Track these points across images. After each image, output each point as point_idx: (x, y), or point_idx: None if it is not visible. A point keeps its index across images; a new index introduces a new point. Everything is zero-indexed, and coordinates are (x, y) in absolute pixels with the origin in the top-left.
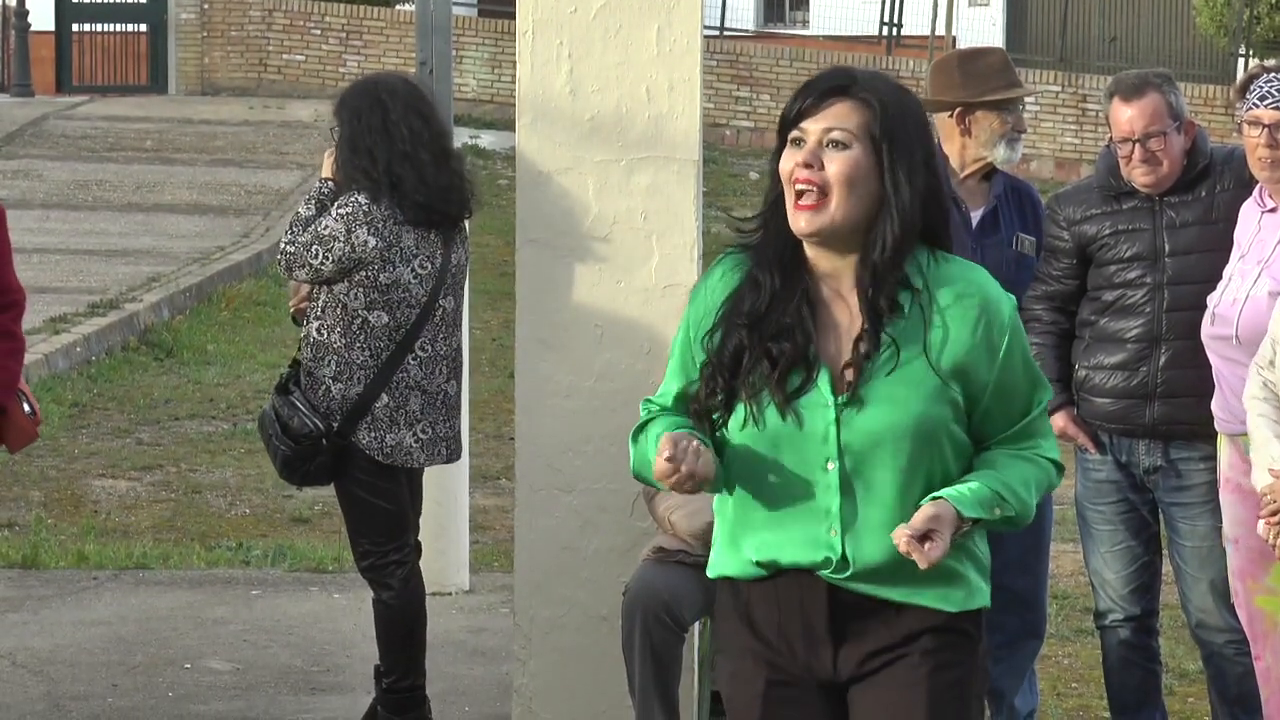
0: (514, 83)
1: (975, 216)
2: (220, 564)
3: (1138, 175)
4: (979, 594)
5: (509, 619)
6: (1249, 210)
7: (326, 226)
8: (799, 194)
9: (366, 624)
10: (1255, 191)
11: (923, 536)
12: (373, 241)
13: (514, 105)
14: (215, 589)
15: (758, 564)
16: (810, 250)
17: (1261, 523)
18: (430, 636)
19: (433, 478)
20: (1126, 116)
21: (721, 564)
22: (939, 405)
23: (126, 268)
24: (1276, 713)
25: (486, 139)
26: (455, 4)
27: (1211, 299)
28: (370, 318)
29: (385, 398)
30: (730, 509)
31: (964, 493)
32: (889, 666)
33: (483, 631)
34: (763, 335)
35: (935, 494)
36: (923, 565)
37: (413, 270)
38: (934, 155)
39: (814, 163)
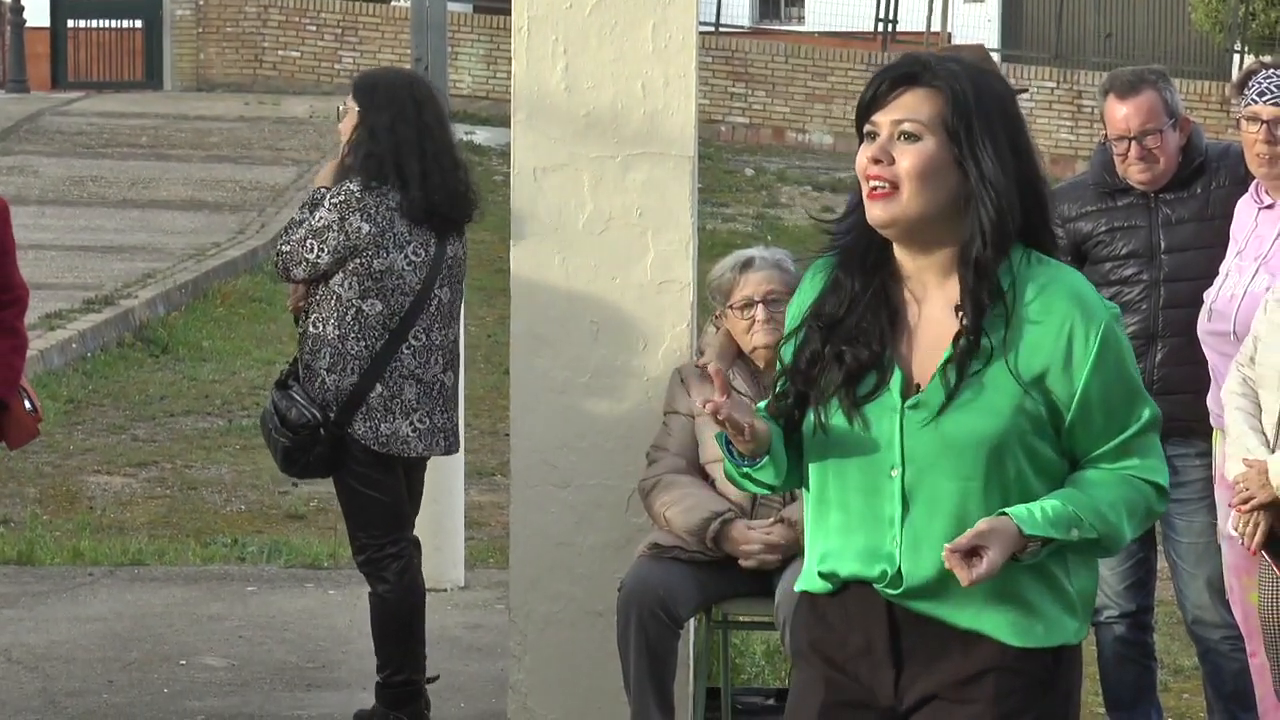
0: (509, 79)
1: None
2: (216, 560)
3: (1134, 172)
4: (1060, 630)
5: (504, 615)
6: (1245, 206)
7: (320, 218)
8: (872, 188)
9: (362, 620)
10: (1251, 187)
11: (972, 552)
12: (366, 227)
13: (509, 101)
14: (211, 585)
15: (821, 575)
16: (897, 250)
17: (1233, 513)
18: (426, 633)
19: (428, 474)
20: (1122, 114)
21: (802, 578)
22: (1014, 415)
23: (122, 264)
24: (1273, 709)
25: (482, 135)
26: (450, 0)
27: (1208, 295)
28: (364, 306)
29: (380, 387)
30: (809, 519)
31: (1032, 510)
32: (949, 708)
33: (478, 628)
34: (838, 339)
35: (1002, 510)
36: (964, 583)
37: (406, 257)
38: (1024, 140)
39: (883, 158)
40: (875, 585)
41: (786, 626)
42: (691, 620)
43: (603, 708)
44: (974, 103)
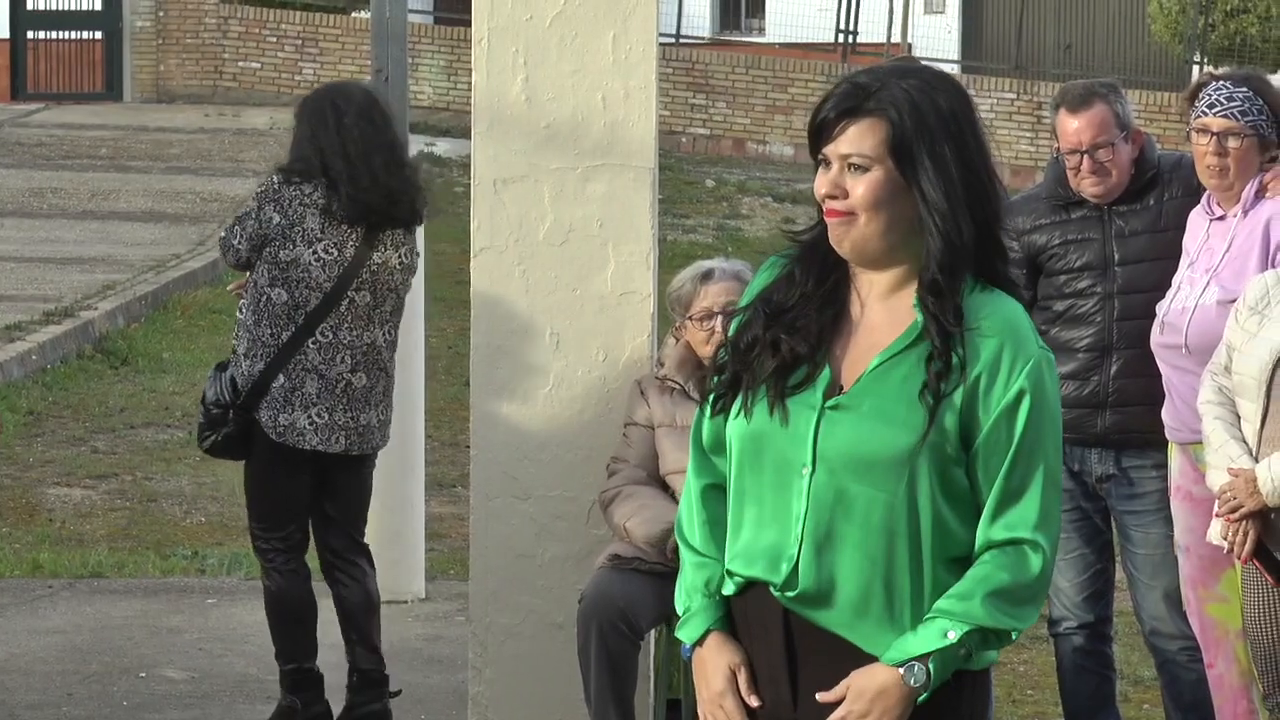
0: (470, 90)
1: None
2: (176, 572)
3: (1086, 186)
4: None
5: (465, 627)
6: (1197, 218)
7: (244, 208)
8: (830, 209)
9: (322, 632)
10: (1204, 199)
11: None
12: (276, 218)
13: (470, 113)
14: (171, 597)
15: (729, 573)
16: (861, 269)
17: (1219, 522)
18: (386, 644)
19: (388, 486)
20: (1073, 128)
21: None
22: (926, 435)
23: (81, 275)
24: (1230, 717)
25: (442, 146)
26: (411, 11)
27: (1160, 307)
28: (272, 295)
29: (282, 378)
30: (729, 512)
31: (910, 660)
32: None
33: (439, 640)
34: (779, 327)
35: (897, 651)
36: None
37: (315, 253)
38: (974, 157)
39: (838, 192)
40: (773, 590)
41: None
42: (652, 631)
43: (563, 719)
44: (914, 129)
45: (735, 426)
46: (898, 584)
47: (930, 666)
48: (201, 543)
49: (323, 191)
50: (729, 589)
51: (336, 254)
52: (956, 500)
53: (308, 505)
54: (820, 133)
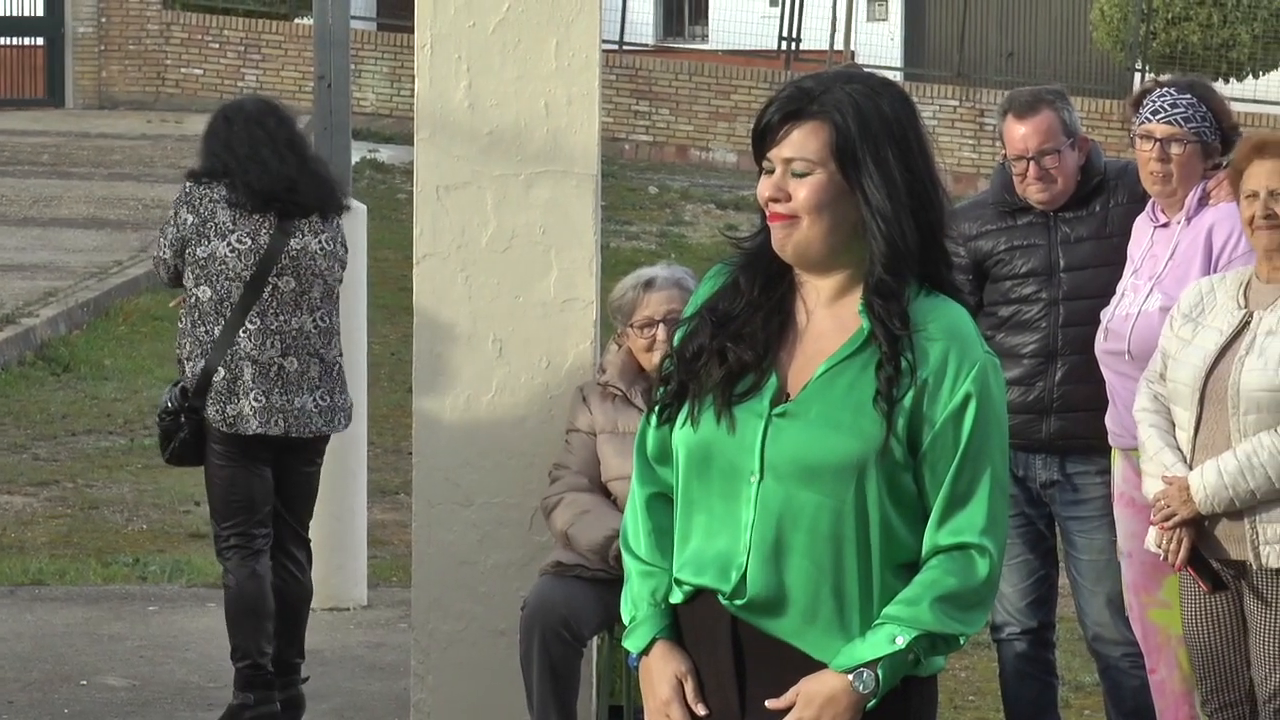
0: (413, 97)
1: None
2: (117, 580)
3: (1033, 192)
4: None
5: (408, 634)
6: (1141, 225)
7: (165, 220)
8: (773, 213)
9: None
10: (1148, 206)
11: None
12: (190, 218)
13: (413, 119)
14: (112, 605)
15: (677, 581)
16: (806, 272)
17: (1154, 530)
18: (329, 652)
19: (331, 492)
20: (1020, 134)
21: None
22: (874, 442)
23: (23, 282)
24: None
25: (385, 153)
26: (354, 18)
27: (1105, 314)
28: (199, 294)
29: (222, 370)
30: (676, 521)
31: (861, 666)
32: None
33: (381, 647)
34: (725, 335)
35: (845, 657)
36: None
37: (229, 244)
38: (918, 162)
39: (780, 195)
40: (721, 598)
41: None
42: (594, 638)
43: None
44: (858, 132)
45: (682, 435)
46: (846, 591)
47: (879, 672)
48: (143, 550)
49: (227, 188)
50: (677, 597)
51: (250, 243)
52: (904, 506)
53: (268, 501)
54: (764, 137)
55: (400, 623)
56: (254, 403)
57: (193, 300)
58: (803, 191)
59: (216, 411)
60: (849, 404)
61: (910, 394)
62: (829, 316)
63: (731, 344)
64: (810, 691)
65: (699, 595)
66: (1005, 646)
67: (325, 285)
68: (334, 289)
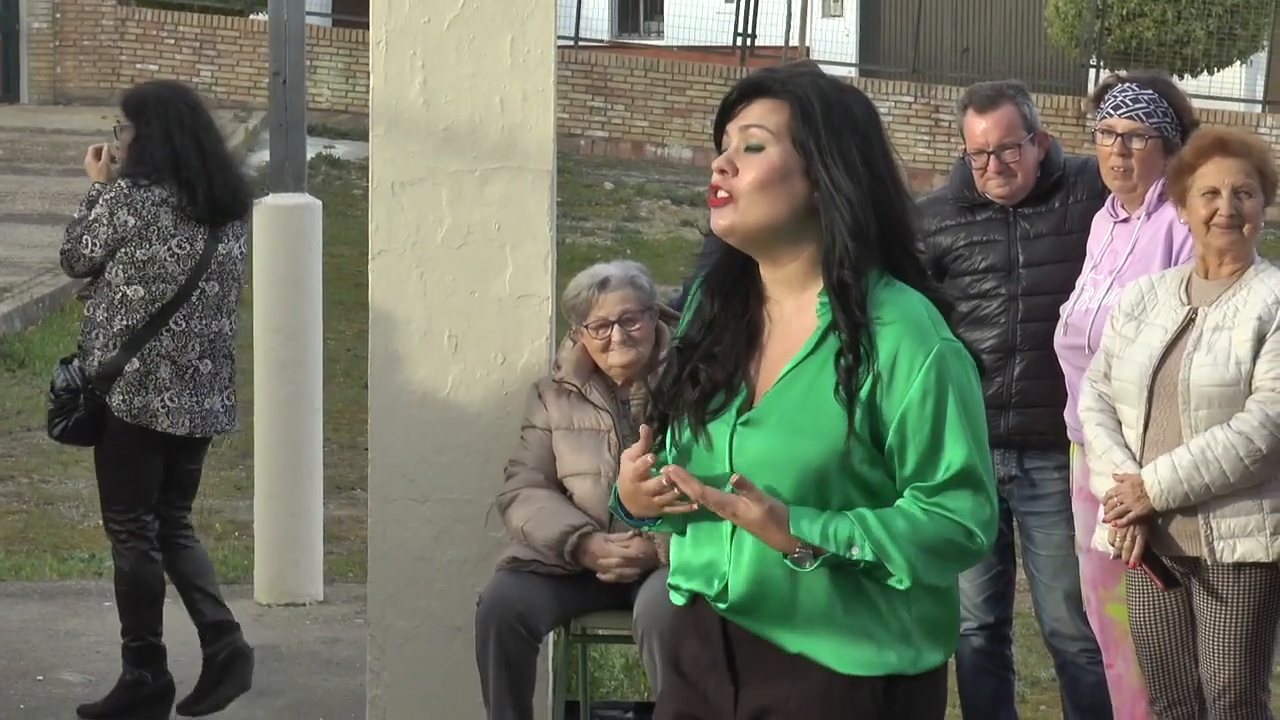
0: (368, 93)
1: None
2: (73, 575)
3: (992, 187)
4: (889, 658)
5: (364, 630)
6: (1101, 220)
7: (93, 214)
8: (714, 196)
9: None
10: (1108, 202)
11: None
12: (131, 221)
13: (368, 115)
14: (68, 600)
15: (671, 587)
16: (761, 267)
17: (1106, 529)
18: (284, 647)
19: (287, 488)
20: (981, 128)
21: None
22: (835, 438)
23: None
24: (1128, 718)
25: (341, 149)
26: (309, 14)
27: (1064, 309)
28: (129, 291)
29: (136, 362)
30: (674, 535)
31: (816, 516)
32: None
33: (337, 642)
34: (696, 359)
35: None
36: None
37: (169, 249)
38: (878, 159)
39: (729, 168)
40: (710, 601)
41: (645, 640)
42: (550, 634)
43: None
44: (822, 114)
45: (670, 457)
46: (824, 587)
47: (819, 559)
48: (99, 546)
49: (173, 191)
50: (678, 600)
51: (189, 248)
52: (877, 498)
53: (156, 490)
54: (726, 114)
55: (356, 618)
56: (167, 402)
57: (118, 297)
58: (751, 170)
59: (122, 401)
60: (808, 405)
61: (868, 386)
62: (792, 318)
63: (704, 365)
64: (759, 520)
65: (696, 597)
66: (962, 642)
67: (239, 288)
68: (241, 291)
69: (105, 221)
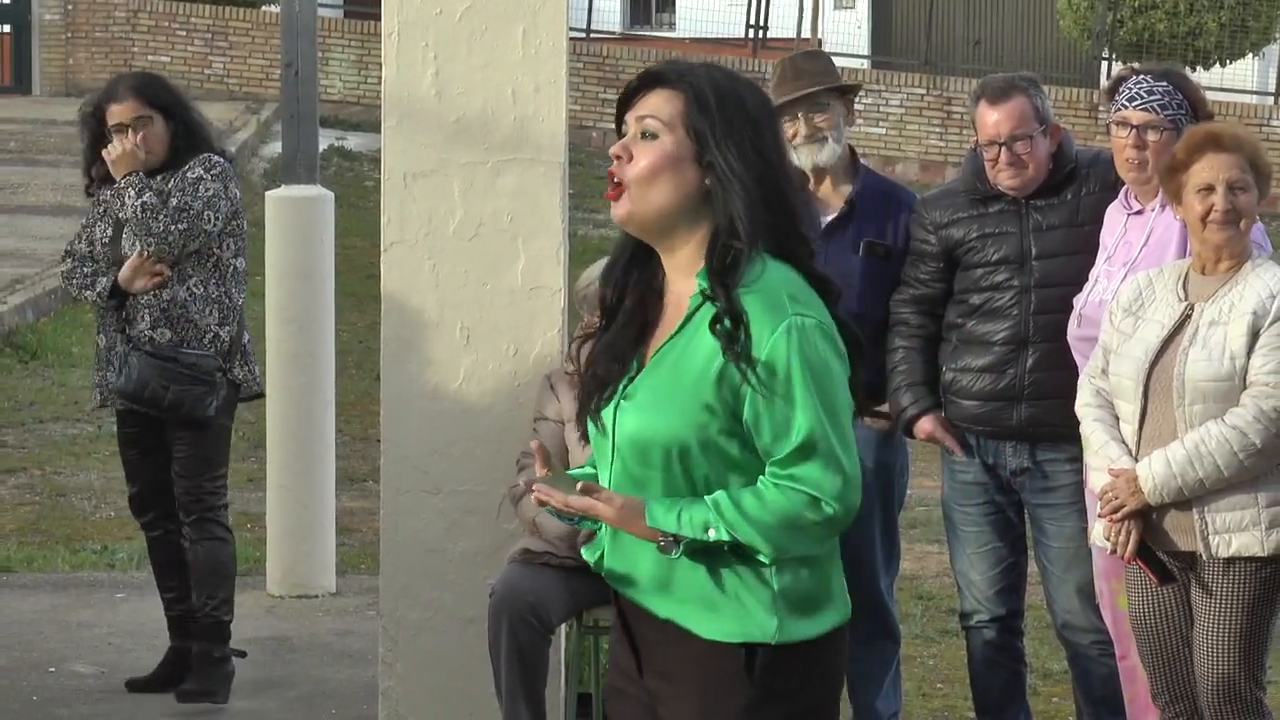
0: (380, 84)
1: (825, 220)
2: (85, 567)
3: (1003, 178)
4: (749, 625)
5: (376, 621)
6: (1114, 213)
7: (207, 188)
8: (611, 185)
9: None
10: (1121, 194)
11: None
12: (238, 194)
13: (380, 107)
14: (80, 592)
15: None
16: (661, 255)
17: (1102, 523)
18: (296, 639)
19: (299, 480)
20: (992, 120)
21: None
22: (696, 413)
23: None
24: (1143, 711)
25: (353, 141)
26: (321, 5)
27: (1078, 300)
28: (237, 264)
29: (246, 334)
30: None
31: (673, 504)
32: (666, 696)
33: (349, 634)
34: (596, 353)
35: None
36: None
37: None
38: (769, 148)
39: (623, 154)
40: (595, 568)
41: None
42: (563, 626)
43: (474, 714)
44: (716, 103)
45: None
46: (688, 560)
47: (682, 546)
48: (111, 537)
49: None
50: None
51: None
52: (741, 472)
53: None
54: (625, 103)
55: (368, 610)
56: (256, 370)
57: (230, 271)
58: (645, 157)
59: (248, 373)
60: (672, 380)
61: (728, 357)
62: (681, 300)
63: (601, 353)
64: (616, 519)
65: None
66: (974, 634)
67: None
68: None
69: (223, 195)
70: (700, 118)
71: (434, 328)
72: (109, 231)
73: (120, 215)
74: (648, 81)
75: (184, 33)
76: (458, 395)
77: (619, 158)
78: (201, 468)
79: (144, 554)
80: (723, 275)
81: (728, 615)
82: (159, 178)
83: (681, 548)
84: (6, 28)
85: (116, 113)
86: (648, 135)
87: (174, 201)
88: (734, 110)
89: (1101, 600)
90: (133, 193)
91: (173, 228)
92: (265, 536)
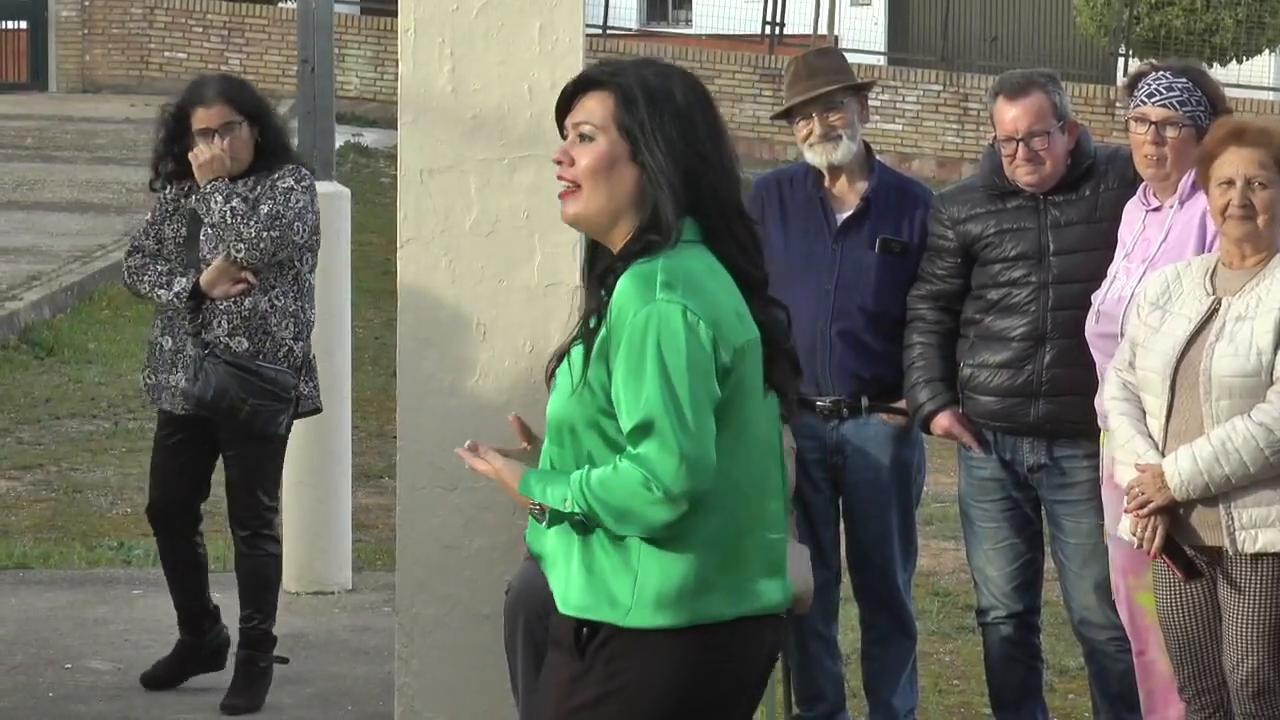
0: (396, 81)
1: (841, 218)
2: (101, 564)
3: (1021, 174)
4: (598, 605)
5: (392, 618)
6: (1133, 209)
7: (297, 200)
8: (563, 189)
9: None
10: (1139, 190)
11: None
12: (318, 207)
13: (396, 103)
14: (96, 589)
15: None
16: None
17: (1128, 518)
18: (313, 636)
19: (315, 477)
20: (1010, 115)
21: None
22: (578, 394)
23: (6, 266)
24: (1161, 704)
25: (369, 137)
26: (337, 2)
27: (1096, 297)
28: (311, 280)
29: (312, 349)
30: None
31: (543, 475)
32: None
33: (366, 630)
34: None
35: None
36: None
37: None
38: (700, 139)
39: (564, 159)
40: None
41: None
42: None
43: (490, 710)
44: (644, 101)
45: None
46: (563, 535)
47: (549, 515)
48: (127, 534)
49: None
50: None
51: None
52: (617, 448)
53: None
54: (562, 109)
55: (384, 606)
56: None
57: (306, 286)
58: (584, 159)
59: (313, 388)
60: (566, 365)
61: (600, 340)
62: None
63: (570, 339)
64: (502, 481)
65: None
66: (991, 630)
67: None
68: None
69: (312, 208)
70: (628, 117)
71: (450, 324)
72: (182, 231)
73: (205, 220)
74: (582, 85)
75: (200, 29)
76: (474, 391)
77: (560, 162)
78: (260, 481)
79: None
80: (623, 262)
81: (583, 591)
82: (241, 183)
83: (548, 516)
84: (23, 24)
85: (204, 117)
86: (585, 138)
87: (265, 209)
88: (663, 104)
89: (1118, 596)
90: (220, 198)
91: (264, 235)
92: (281, 533)
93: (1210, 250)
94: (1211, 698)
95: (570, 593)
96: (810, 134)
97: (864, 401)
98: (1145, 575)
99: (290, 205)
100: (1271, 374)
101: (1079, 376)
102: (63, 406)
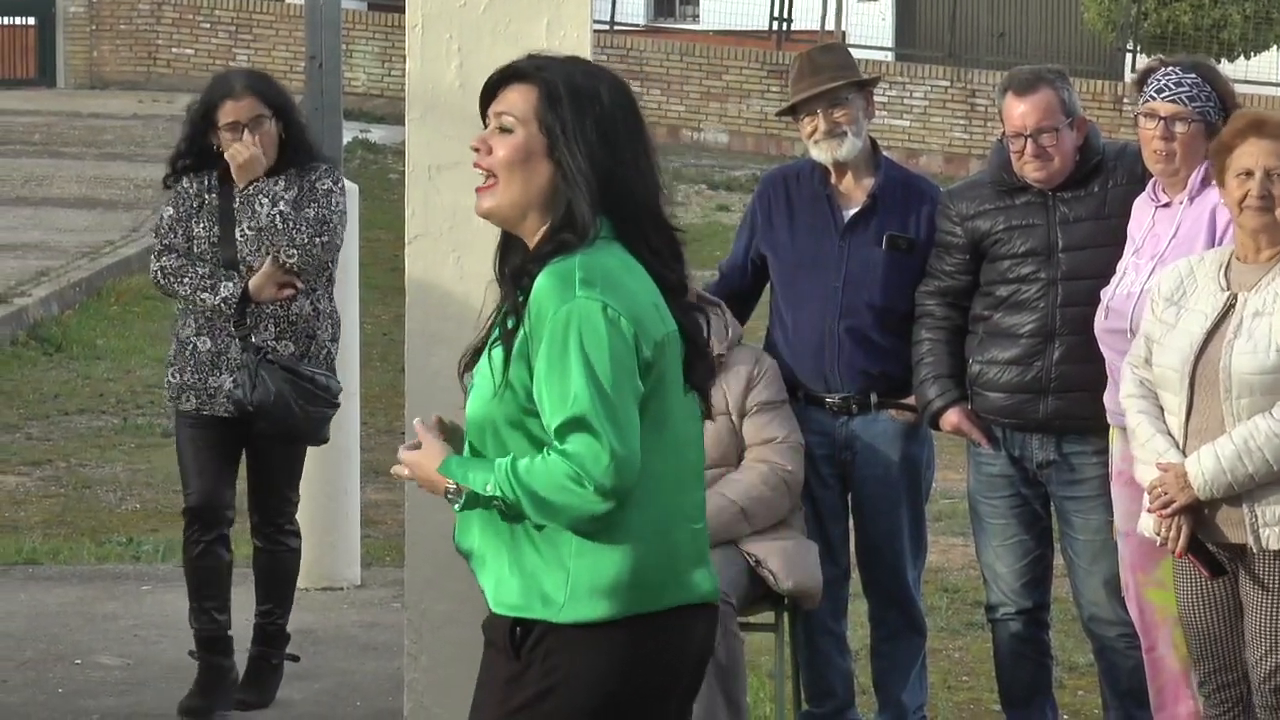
0: (404, 77)
1: (847, 215)
2: (110, 559)
3: (1029, 170)
4: (531, 602)
5: (401, 614)
6: (1142, 205)
7: (337, 202)
8: (482, 182)
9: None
10: (1149, 186)
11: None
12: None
13: (404, 99)
14: (105, 584)
15: None
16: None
17: (1151, 517)
18: (322, 631)
19: (323, 473)
20: (1019, 112)
21: None
22: (498, 395)
23: (15, 262)
24: (1171, 700)
25: (377, 133)
26: None
27: (1105, 293)
28: (334, 278)
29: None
30: None
31: (465, 459)
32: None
33: (375, 626)
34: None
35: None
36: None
37: None
38: (620, 143)
39: (482, 147)
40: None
41: None
42: None
43: None
44: (568, 98)
45: None
46: (493, 530)
47: (463, 498)
48: (136, 530)
49: None
50: None
51: None
52: (540, 446)
53: None
54: (486, 98)
55: (394, 602)
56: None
57: (335, 286)
58: (501, 150)
59: (336, 385)
60: (491, 363)
61: (520, 339)
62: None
63: (484, 338)
64: (423, 466)
65: None
66: (1000, 627)
67: None
68: None
69: (344, 211)
70: (550, 113)
71: (458, 320)
72: (215, 230)
73: (248, 223)
74: (508, 76)
75: (208, 25)
76: None
77: (477, 149)
78: (290, 480)
79: (170, 546)
80: (537, 262)
81: (515, 589)
82: (275, 181)
83: (464, 498)
84: (31, 20)
85: (233, 110)
86: (504, 130)
87: (311, 213)
88: (587, 107)
89: (1127, 592)
90: (266, 200)
91: (316, 240)
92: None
93: (1220, 245)
94: (1232, 692)
95: (502, 592)
96: (815, 130)
97: (873, 398)
98: (1154, 572)
99: (334, 209)
100: None
101: (1088, 373)
102: (71, 402)
